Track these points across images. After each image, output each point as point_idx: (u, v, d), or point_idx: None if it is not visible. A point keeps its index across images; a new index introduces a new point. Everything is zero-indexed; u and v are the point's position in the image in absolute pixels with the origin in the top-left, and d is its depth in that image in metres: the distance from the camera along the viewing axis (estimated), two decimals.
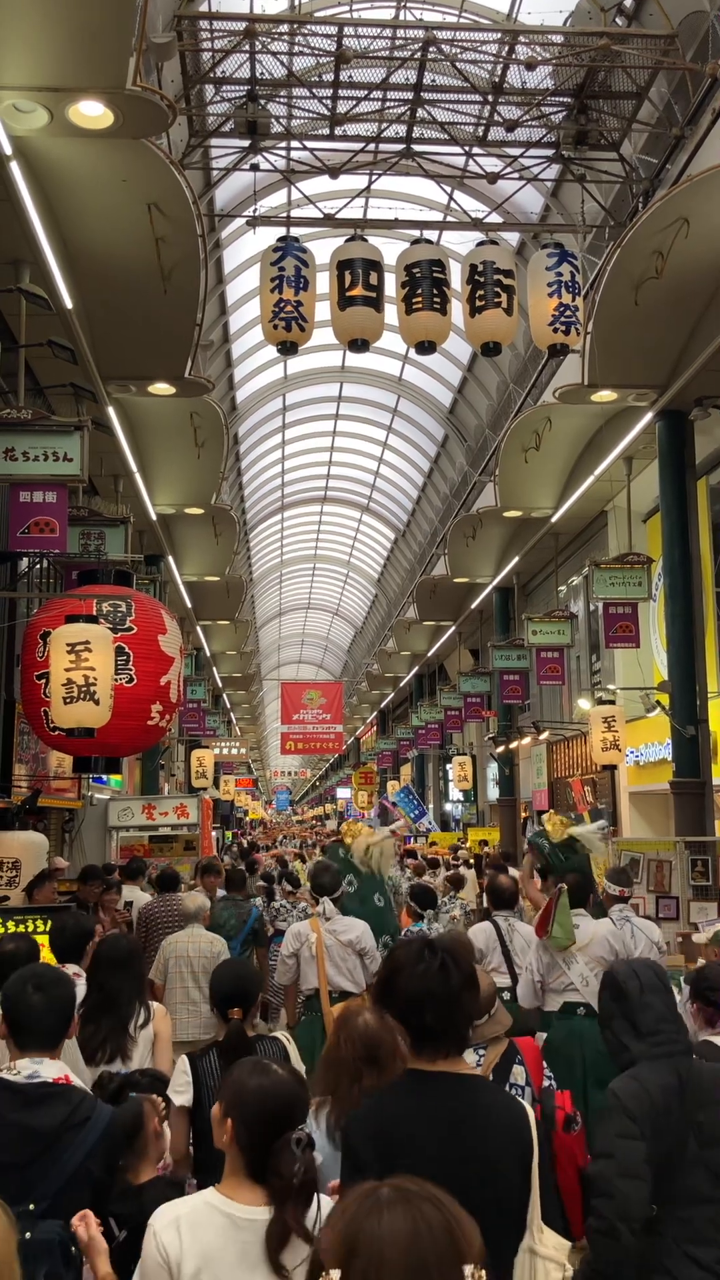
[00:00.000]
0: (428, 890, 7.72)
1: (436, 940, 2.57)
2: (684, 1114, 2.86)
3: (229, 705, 34.70)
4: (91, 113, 7.25)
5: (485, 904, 7.67)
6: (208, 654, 25.25)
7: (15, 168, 7.56)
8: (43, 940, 5.90)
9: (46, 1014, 2.89)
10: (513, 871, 9.66)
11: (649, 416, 12.19)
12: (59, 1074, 2.85)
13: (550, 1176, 2.98)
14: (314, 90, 10.19)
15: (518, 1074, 3.90)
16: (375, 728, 42.64)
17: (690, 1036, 3.38)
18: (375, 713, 41.86)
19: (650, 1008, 3.06)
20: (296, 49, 9.93)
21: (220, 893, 9.52)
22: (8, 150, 7.38)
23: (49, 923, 5.96)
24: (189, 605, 19.99)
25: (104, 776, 14.76)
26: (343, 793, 52.25)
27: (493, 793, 24.29)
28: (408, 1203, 1.38)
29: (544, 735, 19.12)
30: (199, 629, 22.43)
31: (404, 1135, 2.32)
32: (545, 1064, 4.13)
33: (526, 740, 20.10)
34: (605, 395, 11.84)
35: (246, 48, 9.76)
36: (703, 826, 11.47)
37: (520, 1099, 2.92)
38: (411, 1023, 2.45)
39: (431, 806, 30.89)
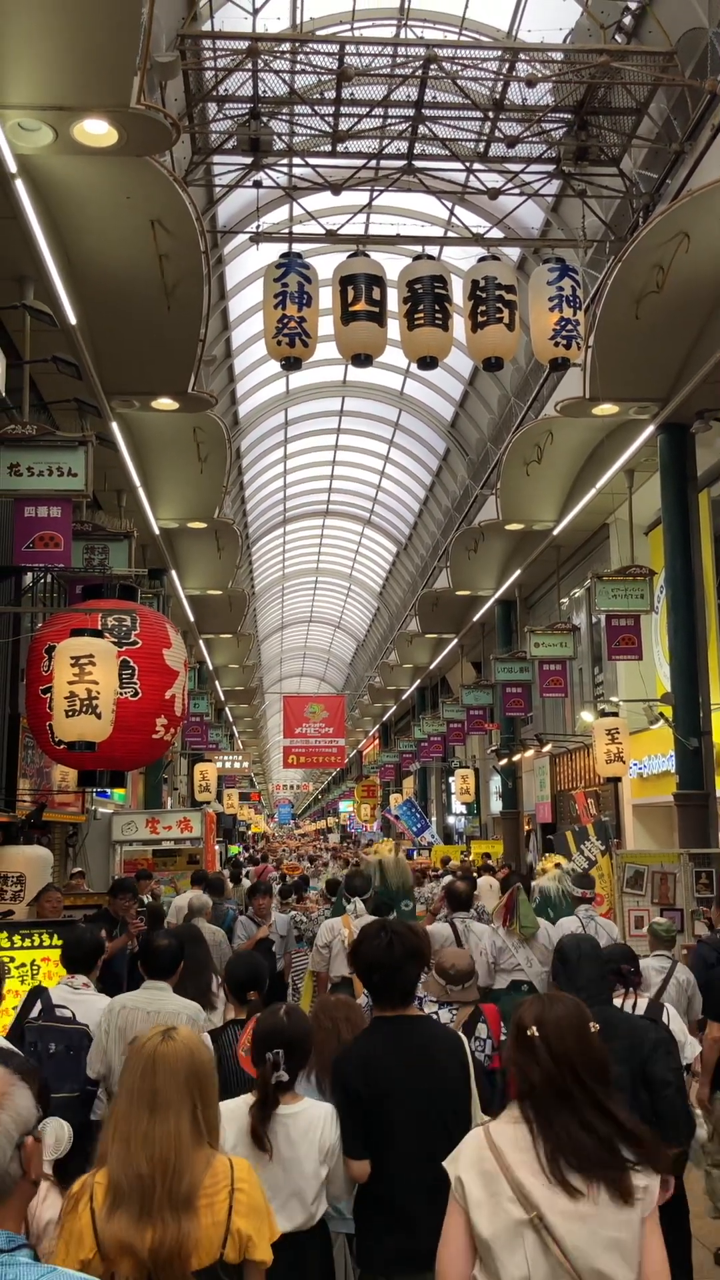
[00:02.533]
0: (457, 893, 8.22)
1: (390, 924, 3.56)
2: None
3: (231, 719, 34.71)
4: (96, 131, 7.32)
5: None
6: (210, 668, 25.27)
7: (20, 185, 7.62)
8: (52, 954, 5.92)
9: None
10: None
11: (650, 429, 12.23)
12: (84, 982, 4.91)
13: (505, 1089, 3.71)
14: (316, 107, 10.26)
15: (481, 1030, 5.17)
16: (377, 741, 42.61)
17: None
18: (377, 726, 41.84)
19: (583, 971, 4.17)
20: (298, 67, 10.01)
21: (275, 914, 10.14)
22: (12, 168, 7.44)
23: (54, 936, 5.99)
24: (191, 619, 20.03)
25: (108, 790, 14.77)
26: (345, 805, 52.19)
27: (496, 805, 24.27)
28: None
29: (547, 748, 19.12)
30: (201, 643, 22.46)
31: (379, 1062, 3.26)
32: (503, 1025, 5.08)
33: (529, 753, 20.09)
34: (606, 409, 11.89)
35: (249, 66, 9.84)
36: (707, 838, 11.46)
37: (456, 1031, 3.88)
38: (368, 980, 3.46)
39: (434, 819, 30.84)
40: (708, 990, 5.89)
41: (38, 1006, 4.80)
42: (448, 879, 12.44)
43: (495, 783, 24.03)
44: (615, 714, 13.49)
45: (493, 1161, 2.40)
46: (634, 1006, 4.79)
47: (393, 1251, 3.12)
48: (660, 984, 6.15)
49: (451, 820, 30.92)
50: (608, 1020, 4.00)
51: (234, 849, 31.84)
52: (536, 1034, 2.49)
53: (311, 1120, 3.26)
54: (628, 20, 11.08)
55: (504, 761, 21.11)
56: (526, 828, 21.19)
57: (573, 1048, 2.46)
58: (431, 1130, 3.09)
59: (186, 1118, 2.45)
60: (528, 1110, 2.45)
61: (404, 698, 33.56)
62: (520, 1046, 2.52)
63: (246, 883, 14.35)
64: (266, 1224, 2.53)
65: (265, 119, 10.36)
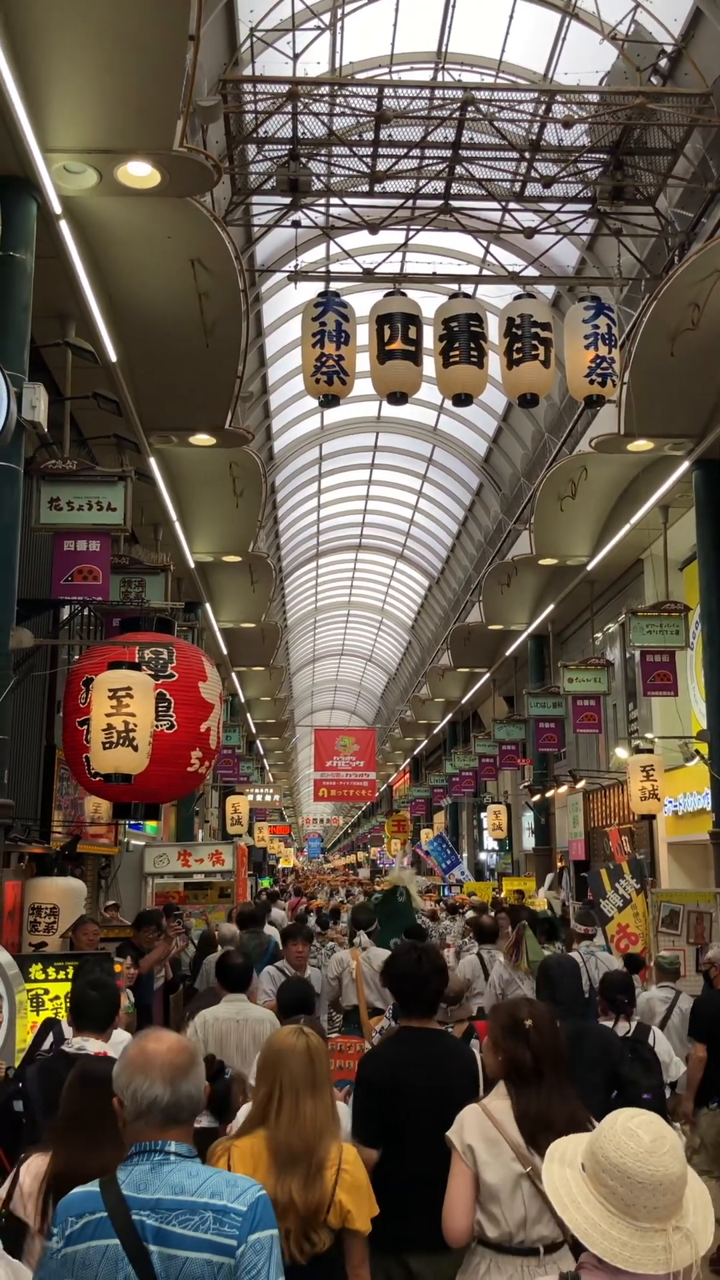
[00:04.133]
0: (483, 927, 9.29)
1: (420, 945, 4.18)
2: (573, 1048, 4.11)
3: (262, 751, 34.73)
4: (139, 173, 7.47)
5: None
6: (242, 700, 25.33)
7: (64, 226, 7.78)
8: (60, 989, 5.85)
9: (100, 1004, 4.21)
10: None
11: (685, 465, 12.21)
12: (100, 1049, 3.98)
13: None
14: (354, 149, 10.41)
15: (474, 1044, 5.50)
16: (408, 775, 42.46)
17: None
18: (408, 760, 41.71)
19: (564, 987, 4.92)
20: (337, 109, 10.17)
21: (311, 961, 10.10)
22: (57, 209, 7.60)
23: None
24: (224, 651, 20.11)
25: (141, 823, 14.80)
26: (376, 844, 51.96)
27: (528, 842, 24.08)
28: None
29: (580, 784, 18.98)
30: (234, 675, 22.53)
31: (401, 1064, 3.70)
32: None
33: (563, 789, 19.96)
34: (641, 445, 11.89)
35: (289, 109, 10.01)
36: None
37: (469, 1047, 4.24)
38: (399, 992, 3.94)
39: (466, 855, 30.63)
40: (692, 1014, 6.50)
41: (49, 1039, 4.65)
42: (470, 914, 13.27)
43: (528, 819, 23.86)
44: (650, 750, 13.39)
45: (494, 1130, 3.13)
46: (627, 1031, 5.42)
47: (399, 1233, 3.46)
48: (664, 1012, 6.84)
49: (483, 856, 30.68)
50: (584, 1030, 4.89)
51: (265, 881, 31.74)
52: (530, 1024, 3.18)
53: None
54: (663, 63, 11.18)
55: (537, 797, 20.97)
56: (560, 864, 21.00)
57: (550, 1040, 3.18)
58: (439, 1128, 3.36)
59: (329, 1098, 3.13)
60: (511, 1089, 3.16)
61: (435, 732, 33.46)
62: (514, 1034, 3.20)
63: (280, 913, 14.31)
64: (367, 1201, 3.07)
65: (304, 160, 10.51)
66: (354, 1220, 3.01)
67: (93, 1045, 4.05)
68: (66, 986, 6.01)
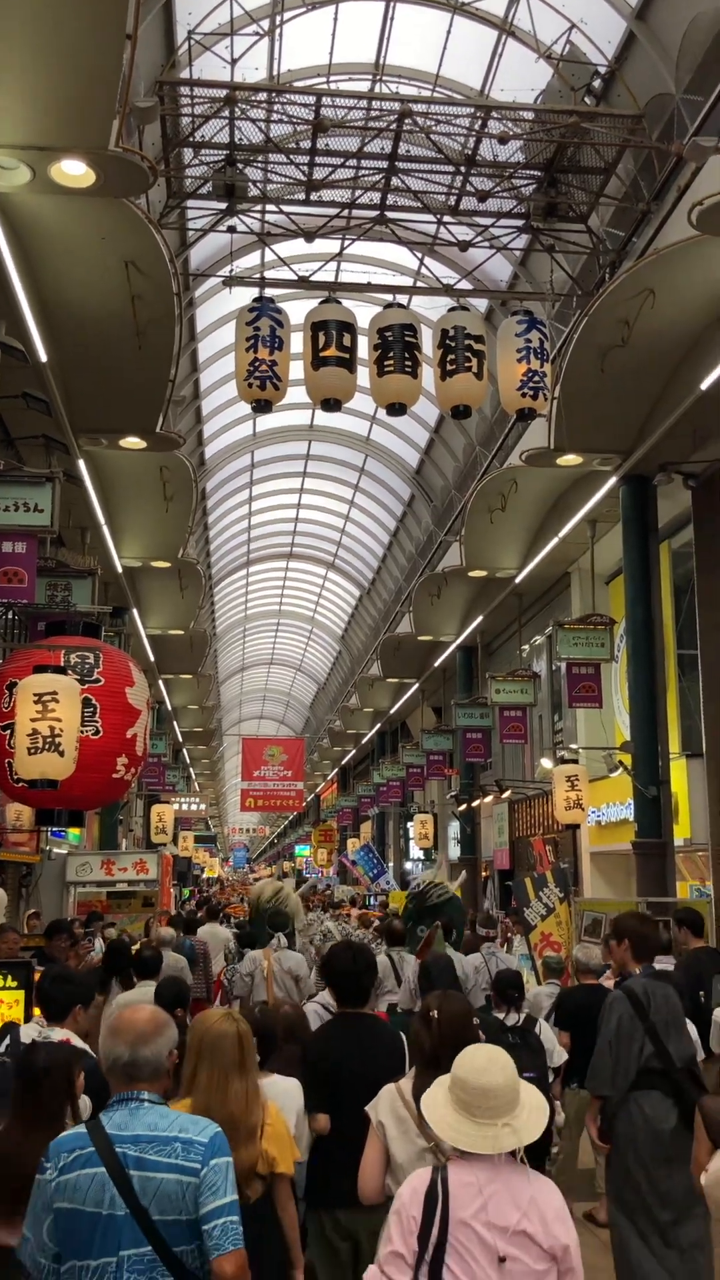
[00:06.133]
0: (394, 930, 9.87)
1: (354, 944, 4.93)
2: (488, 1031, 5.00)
3: (189, 760, 34.44)
4: (74, 171, 7.37)
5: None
6: (169, 708, 25.10)
7: None
8: (4, 996, 5.82)
9: (58, 996, 4.69)
10: None
11: (613, 481, 12.41)
12: (63, 1036, 4.47)
13: None
14: (291, 156, 10.41)
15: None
16: (336, 785, 42.43)
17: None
18: (336, 770, 41.69)
19: (439, 981, 5.90)
20: (275, 116, 10.16)
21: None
22: None
23: (7, 977, 5.88)
24: (152, 658, 19.91)
25: (64, 830, 14.56)
26: (301, 849, 51.80)
27: (454, 851, 24.19)
28: None
29: (506, 794, 19.13)
30: (161, 682, 22.32)
31: (339, 1049, 4.25)
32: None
33: (488, 799, 20.09)
34: (570, 459, 12.05)
35: (226, 114, 9.98)
36: (664, 886, 11.50)
37: (395, 1030, 4.61)
38: (337, 985, 4.51)
39: (392, 865, 30.67)
40: (556, 1006, 7.21)
41: (5, 1042, 4.73)
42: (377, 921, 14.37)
43: (454, 828, 23.98)
44: (575, 761, 13.54)
45: (403, 1109, 3.53)
46: (517, 1021, 6.00)
47: (337, 1191, 3.91)
48: (550, 1006, 7.43)
49: (409, 866, 30.76)
50: (490, 1023, 5.81)
51: (186, 891, 31.42)
52: (435, 1015, 3.56)
53: (286, 1088, 4.09)
54: (597, 83, 11.38)
55: (463, 807, 21.09)
56: (484, 874, 21.12)
57: (451, 1029, 3.49)
58: (367, 1101, 3.76)
59: (254, 1076, 3.55)
60: (420, 1072, 3.48)
61: (364, 742, 33.48)
62: (423, 1022, 3.58)
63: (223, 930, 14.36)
64: (289, 1148, 3.58)
65: (240, 166, 10.49)
66: (278, 1164, 3.50)
67: (56, 1033, 4.51)
68: (13, 994, 5.92)
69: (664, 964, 6.78)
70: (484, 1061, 2.75)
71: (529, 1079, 3.93)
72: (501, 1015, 6.01)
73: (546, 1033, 6.17)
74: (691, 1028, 5.22)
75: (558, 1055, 6.17)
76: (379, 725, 30.24)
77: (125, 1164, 2.65)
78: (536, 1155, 5.23)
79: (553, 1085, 6.12)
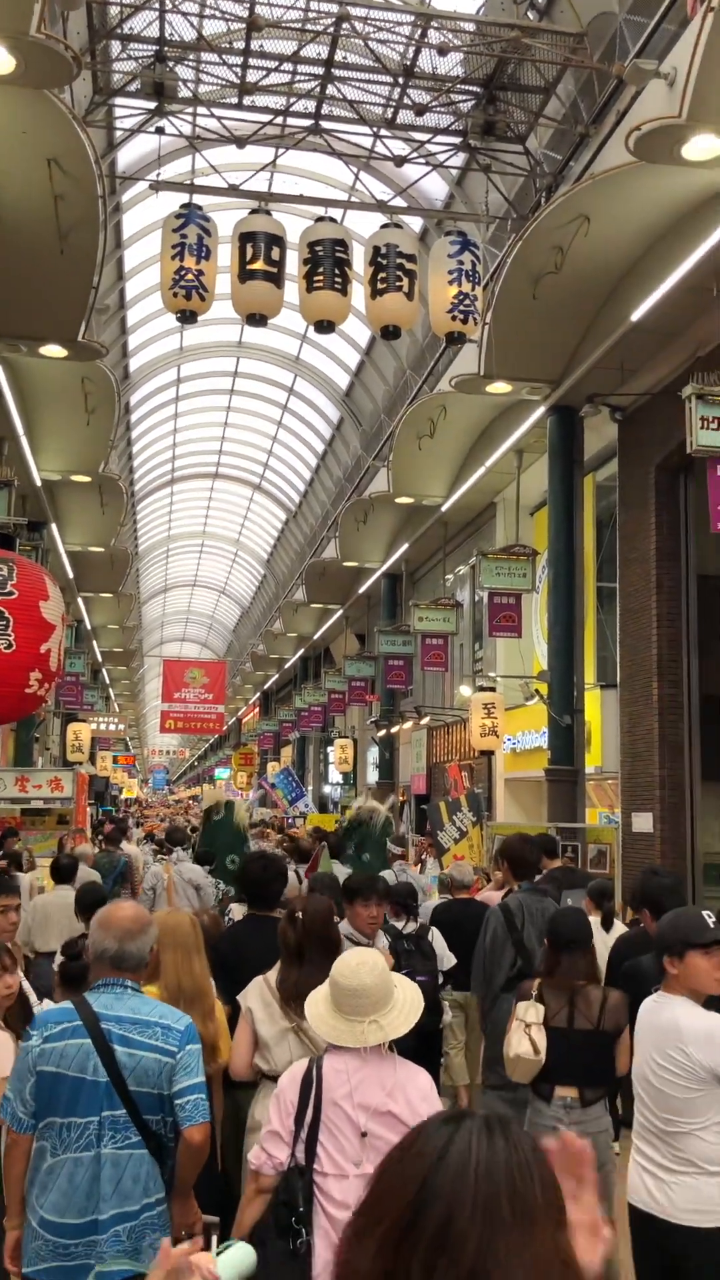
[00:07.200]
0: (300, 847, 10.78)
1: (267, 854, 5.77)
2: None
3: (108, 680, 34.14)
4: None
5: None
6: (88, 627, 24.79)
7: None
8: None
9: None
10: None
11: (541, 410, 12.38)
12: None
13: None
14: (224, 57, 10.02)
15: None
16: (258, 709, 42.48)
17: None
18: (258, 694, 41.72)
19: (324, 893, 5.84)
20: (207, 12, 9.76)
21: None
22: None
23: None
24: (70, 575, 19.59)
25: None
26: (221, 773, 51.95)
27: (372, 776, 24.47)
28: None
29: (425, 720, 19.33)
30: (80, 600, 22.00)
31: (247, 940, 4.82)
32: None
33: (408, 725, 20.30)
34: (500, 387, 11.98)
35: (156, 5, 9.54)
36: (574, 813, 11.76)
37: None
38: (250, 892, 5.12)
39: (311, 789, 30.94)
40: (433, 918, 7.41)
41: None
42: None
43: (373, 753, 24.23)
44: (493, 689, 13.71)
45: (269, 994, 3.96)
46: (412, 929, 6.42)
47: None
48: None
49: (328, 790, 31.06)
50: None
51: (110, 810, 31.35)
52: (300, 915, 3.98)
53: None
54: None
55: (383, 733, 21.28)
56: (401, 798, 21.42)
57: (314, 927, 3.93)
58: None
59: (206, 961, 4.16)
60: (285, 964, 3.94)
61: (286, 666, 33.51)
62: (289, 921, 3.98)
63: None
64: (228, 1038, 4.13)
65: (171, 64, 10.07)
66: (221, 1054, 4.11)
67: None
68: None
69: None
70: (355, 964, 3.00)
71: (422, 983, 4.27)
72: (400, 924, 6.41)
73: (438, 940, 6.53)
74: None
75: (447, 960, 6.50)
76: (302, 650, 30.26)
77: (110, 1039, 3.04)
78: (429, 1050, 5.89)
79: (444, 988, 6.51)
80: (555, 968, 4.43)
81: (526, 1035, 4.29)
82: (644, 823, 11.06)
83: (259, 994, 4.02)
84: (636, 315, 9.85)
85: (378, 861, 9.59)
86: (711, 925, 3.42)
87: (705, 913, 3.48)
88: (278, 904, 4.96)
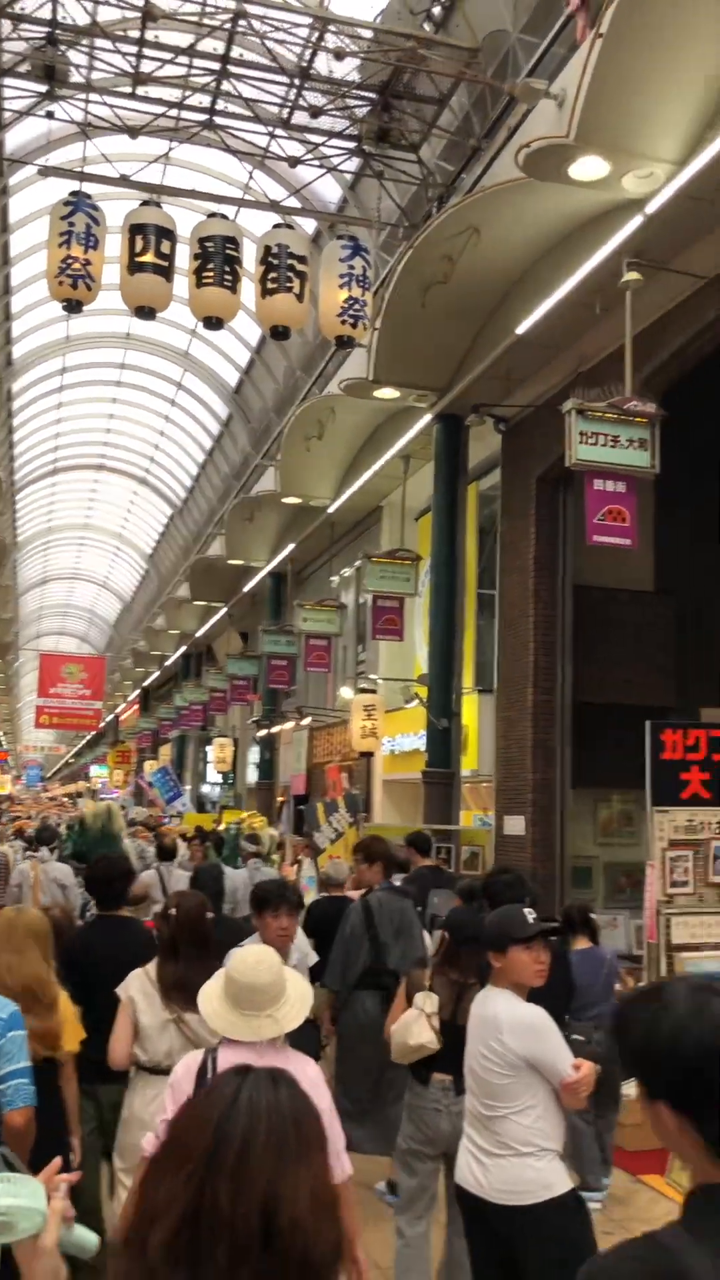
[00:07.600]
0: (165, 846, 10.72)
1: (111, 857, 5.73)
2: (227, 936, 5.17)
3: None
4: None
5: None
6: None
7: None
8: None
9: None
10: None
11: (427, 418, 12.52)
12: None
13: None
14: (118, 45, 9.89)
15: None
16: (137, 706, 41.90)
17: None
18: (138, 690, 41.14)
19: (206, 888, 5.89)
20: None
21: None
22: None
23: None
24: None
25: None
26: (97, 770, 51.07)
27: (252, 776, 24.38)
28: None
29: (306, 720, 19.35)
30: None
31: (98, 941, 4.95)
32: None
33: (289, 725, 20.28)
34: (388, 393, 12.08)
35: None
36: (449, 815, 11.93)
37: (147, 928, 5.33)
38: (96, 891, 5.30)
39: (189, 788, 30.65)
40: (306, 914, 7.67)
41: None
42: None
43: (254, 753, 24.14)
44: (373, 691, 13.80)
45: (150, 986, 4.12)
46: None
47: (95, 1063, 4.34)
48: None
49: (206, 789, 30.82)
50: (230, 923, 6.35)
51: None
52: (173, 912, 4.21)
53: None
54: (437, 10, 11.24)
55: (264, 732, 21.22)
56: (280, 799, 21.40)
57: (187, 923, 4.16)
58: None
59: (49, 952, 4.05)
60: (163, 958, 4.13)
61: (168, 664, 33.13)
62: (163, 918, 4.23)
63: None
64: (76, 1030, 4.04)
65: (63, 48, 9.89)
66: (69, 1042, 4.08)
67: None
68: None
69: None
70: (254, 962, 3.08)
71: None
72: None
73: (299, 938, 6.69)
74: (428, 937, 6.03)
75: (311, 958, 6.61)
76: (184, 648, 29.96)
77: None
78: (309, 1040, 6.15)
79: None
80: (454, 962, 4.54)
81: (429, 1025, 4.45)
82: (516, 825, 11.28)
83: (140, 985, 4.17)
84: (522, 328, 10.04)
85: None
86: (531, 921, 3.61)
87: (526, 910, 3.67)
88: (124, 902, 5.27)
